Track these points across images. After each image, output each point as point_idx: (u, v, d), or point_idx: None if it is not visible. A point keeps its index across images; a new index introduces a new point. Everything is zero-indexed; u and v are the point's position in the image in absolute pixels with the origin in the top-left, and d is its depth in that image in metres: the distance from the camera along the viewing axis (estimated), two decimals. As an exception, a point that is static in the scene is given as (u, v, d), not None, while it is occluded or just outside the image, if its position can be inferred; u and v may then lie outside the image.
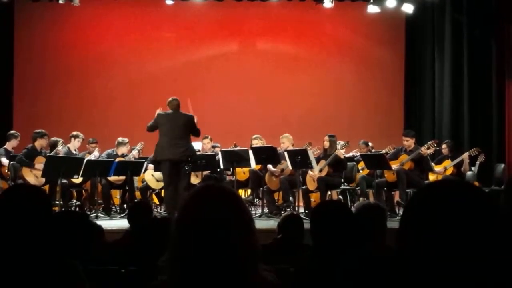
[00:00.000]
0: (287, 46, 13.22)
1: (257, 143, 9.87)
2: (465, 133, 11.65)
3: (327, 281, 2.64)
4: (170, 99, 8.56)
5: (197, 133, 8.73)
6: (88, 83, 12.90)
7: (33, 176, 8.96)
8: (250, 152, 9.37)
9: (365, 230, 3.10)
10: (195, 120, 8.54)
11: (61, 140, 9.63)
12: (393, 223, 3.31)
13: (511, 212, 2.73)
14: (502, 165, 10.56)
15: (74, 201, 9.95)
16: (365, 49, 13.21)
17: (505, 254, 1.20)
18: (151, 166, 9.80)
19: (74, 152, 9.70)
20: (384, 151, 9.74)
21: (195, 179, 9.50)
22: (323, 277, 2.67)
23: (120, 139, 10.05)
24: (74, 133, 9.81)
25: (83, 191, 9.94)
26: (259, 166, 9.61)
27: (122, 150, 9.96)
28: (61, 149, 9.48)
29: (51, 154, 9.19)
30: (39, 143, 9.29)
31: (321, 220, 2.87)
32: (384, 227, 3.28)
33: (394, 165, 9.08)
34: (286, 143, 9.65)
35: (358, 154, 10.28)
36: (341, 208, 2.97)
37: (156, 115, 8.53)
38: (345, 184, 9.81)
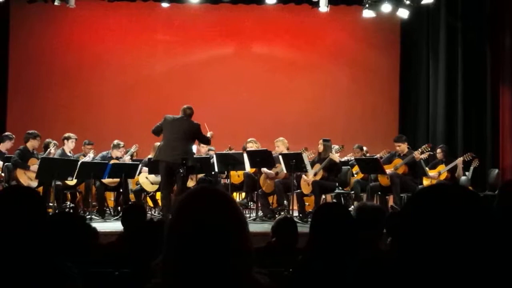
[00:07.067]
0: (283, 50, 13.24)
1: (252, 146, 9.87)
2: (459, 138, 11.68)
3: (326, 284, 2.64)
4: (184, 106, 8.62)
5: (206, 142, 9.11)
6: (83, 85, 12.86)
7: (26, 178, 8.94)
8: (245, 155, 9.37)
9: (364, 233, 3.11)
10: (210, 135, 8.93)
11: (53, 141, 9.61)
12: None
13: (505, 216, 2.74)
14: (496, 171, 10.60)
15: (68, 203, 9.92)
16: (360, 53, 13.24)
17: (499, 257, 1.21)
18: (145, 168, 9.79)
19: (69, 154, 9.68)
20: (378, 156, 9.77)
21: (189, 182, 9.48)
22: (322, 280, 2.67)
23: (116, 142, 10.04)
24: (66, 135, 9.78)
25: (77, 193, 9.91)
26: (253, 170, 9.60)
27: (117, 153, 9.95)
28: (53, 151, 9.46)
29: (44, 155, 9.17)
30: (31, 144, 9.26)
31: (322, 222, 2.87)
32: (382, 230, 3.30)
33: (388, 170, 9.11)
34: (280, 147, 9.66)
35: (353, 158, 10.30)
36: (342, 211, 2.98)
37: (163, 118, 8.58)
38: (340, 188, 9.83)
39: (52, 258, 1.98)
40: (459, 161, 9.56)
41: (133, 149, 10.18)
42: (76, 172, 8.81)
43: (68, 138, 9.73)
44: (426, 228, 1.22)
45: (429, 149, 9.40)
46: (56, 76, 12.90)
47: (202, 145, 10.27)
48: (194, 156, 9.47)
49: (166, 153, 8.36)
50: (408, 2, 11.38)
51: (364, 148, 10.90)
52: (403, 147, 9.32)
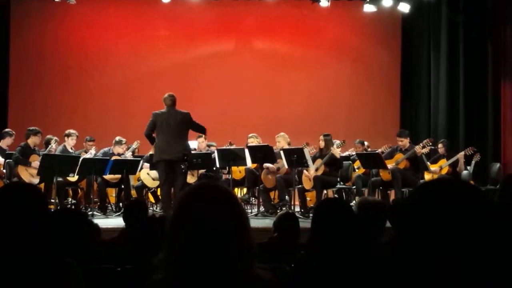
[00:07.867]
0: (283, 45, 13.21)
1: (253, 141, 9.86)
2: (460, 132, 11.67)
3: (327, 280, 2.64)
4: (165, 95, 8.47)
5: (201, 130, 8.80)
6: (84, 81, 12.87)
7: (28, 174, 8.95)
8: (246, 151, 9.36)
9: (366, 228, 3.11)
10: None
11: (54, 138, 9.62)
12: (389, 223, 3.30)
13: (506, 210, 2.74)
14: (498, 165, 10.58)
15: (70, 199, 9.93)
16: (361, 48, 13.21)
17: (500, 251, 1.21)
18: (146, 164, 9.80)
19: (70, 150, 9.69)
20: (379, 150, 9.76)
21: (191, 178, 9.49)
22: (324, 275, 2.67)
23: (118, 138, 10.04)
24: (67, 131, 9.78)
25: (79, 189, 9.92)
26: (255, 165, 9.60)
27: (119, 149, 9.95)
28: (54, 148, 9.47)
29: (45, 152, 9.18)
30: (32, 141, 9.26)
31: (323, 218, 2.87)
32: (384, 225, 3.29)
33: (390, 164, 9.10)
34: (281, 142, 9.65)
35: (354, 153, 10.30)
36: (344, 206, 2.98)
37: (151, 115, 8.41)
38: (341, 183, 9.83)
39: (55, 255, 1.98)
40: (461, 155, 9.55)
41: (134, 145, 10.18)
42: (77, 169, 8.81)
43: (69, 135, 9.73)
44: (428, 223, 1.22)
45: (430, 143, 9.39)
46: (57, 72, 12.90)
47: (200, 140, 10.24)
48: (195, 152, 9.48)
49: (165, 152, 8.24)
50: (409, -4, 11.38)
51: (365, 143, 10.89)
52: (405, 142, 9.31)
